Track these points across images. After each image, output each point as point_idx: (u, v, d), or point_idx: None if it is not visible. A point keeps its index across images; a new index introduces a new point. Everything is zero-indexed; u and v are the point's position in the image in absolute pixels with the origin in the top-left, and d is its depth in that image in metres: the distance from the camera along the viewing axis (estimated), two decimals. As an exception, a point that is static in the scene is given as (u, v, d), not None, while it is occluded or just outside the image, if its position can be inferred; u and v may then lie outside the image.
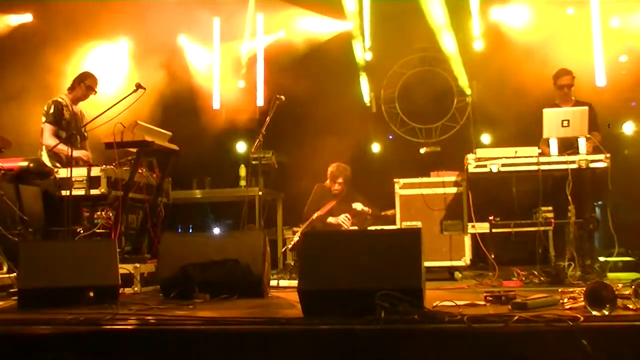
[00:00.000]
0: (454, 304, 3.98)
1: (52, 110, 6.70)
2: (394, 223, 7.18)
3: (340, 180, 7.59)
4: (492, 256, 6.50)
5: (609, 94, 9.40)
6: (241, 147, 10.78)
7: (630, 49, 9.70)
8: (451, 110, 10.37)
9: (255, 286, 5.06)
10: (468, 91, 10.14)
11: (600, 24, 9.69)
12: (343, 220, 7.42)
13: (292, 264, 7.51)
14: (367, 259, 3.80)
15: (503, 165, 6.56)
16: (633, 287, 3.84)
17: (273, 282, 5.96)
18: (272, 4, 10.28)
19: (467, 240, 6.85)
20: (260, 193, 7.95)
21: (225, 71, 10.79)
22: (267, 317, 3.82)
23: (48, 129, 6.68)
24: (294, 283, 5.93)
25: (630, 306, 3.72)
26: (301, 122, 9.88)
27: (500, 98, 9.47)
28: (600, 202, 7.66)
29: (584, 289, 3.74)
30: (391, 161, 9.87)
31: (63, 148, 6.46)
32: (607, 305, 3.52)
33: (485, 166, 6.57)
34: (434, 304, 3.91)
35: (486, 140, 10.03)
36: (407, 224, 6.91)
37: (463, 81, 10.19)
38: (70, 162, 6.21)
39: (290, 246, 7.52)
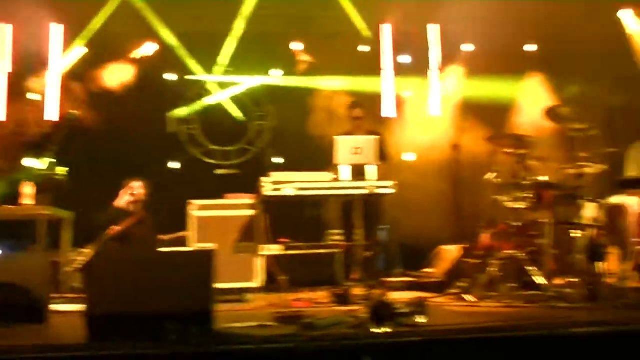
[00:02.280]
0: (244, 325, 4.01)
1: None
2: (186, 245, 7.08)
3: (138, 187, 7.31)
4: (284, 278, 6.63)
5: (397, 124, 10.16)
6: (29, 162, 10.09)
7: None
8: (249, 134, 10.48)
9: (37, 311, 4.75)
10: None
11: (392, 63, 10.44)
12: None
13: (78, 286, 7.14)
14: (158, 281, 3.74)
15: (298, 189, 6.73)
16: (412, 305, 4.12)
17: (57, 307, 5.62)
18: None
19: (260, 262, 6.92)
20: (46, 212, 7.48)
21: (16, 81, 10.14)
22: (49, 344, 3.61)
23: None
24: (80, 307, 5.64)
25: (409, 323, 3.97)
26: (96, 139, 9.52)
27: (297, 123, 9.76)
28: (385, 226, 8.10)
29: (368, 307, 3.93)
30: (187, 182, 9.75)
31: None
32: (389, 323, 3.73)
33: (280, 190, 6.70)
34: (225, 326, 3.91)
35: (282, 164, 10.23)
36: (200, 245, 6.85)
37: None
38: None
39: (76, 268, 7.14)
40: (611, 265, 6.03)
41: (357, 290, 6.52)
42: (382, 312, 3.81)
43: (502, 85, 8.85)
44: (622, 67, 9.96)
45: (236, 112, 10.59)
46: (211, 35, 10.12)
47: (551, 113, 6.53)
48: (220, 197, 7.17)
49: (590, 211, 6.16)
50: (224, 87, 10.59)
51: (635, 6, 10.04)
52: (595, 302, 5.37)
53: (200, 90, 10.59)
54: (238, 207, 7.02)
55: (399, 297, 6.18)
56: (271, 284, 7.11)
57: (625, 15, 10.14)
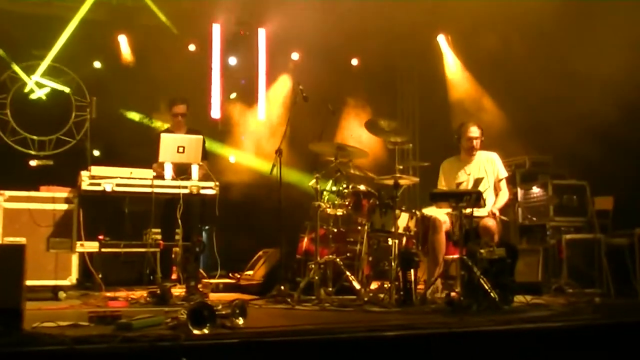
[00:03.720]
0: (55, 325, 3.84)
1: None
2: (-6, 239, 6.64)
3: None
4: (100, 276, 6.42)
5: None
6: None
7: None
8: (68, 124, 9.99)
9: None
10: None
11: (219, 64, 10.46)
12: None
13: None
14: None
15: (117, 185, 6.53)
16: (231, 307, 4.14)
17: None
18: None
19: (75, 259, 6.63)
20: None
21: None
22: None
23: None
24: None
25: (228, 324, 4.00)
26: None
27: (118, 117, 9.49)
28: (207, 227, 8.08)
29: (187, 308, 3.92)
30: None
31: None
32: (208, 324, 3.73)
33: (99, 184, 6.48)
34: (34, 325, 3.73)
35: (102, 158, 9.86)
36: (10, 239, 6.45)
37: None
38: None
39: None
40: (421, 272, 6.41)
41: (176, 291, 6.46)
42: (201, 313, 3.81)
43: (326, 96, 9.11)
44: (435, 85, 10.65)
45: (55, 101, 10.02)
46: (33, 17, 9.57)
47: (370, 125, 6.78)
48: (36, 189, 6.78)
49: (404, 221, 6.51)
50: (43, 73, 10.01)
51: (450, 33, 10.76)
52: (406, 306, 5.68)
53: (14, 74, 9.93)
54: (53, 200, 6.67)
55: (218, 298, 6.20)
56: (87, 282, 6.86)
57: (442, 40, 10.85)
